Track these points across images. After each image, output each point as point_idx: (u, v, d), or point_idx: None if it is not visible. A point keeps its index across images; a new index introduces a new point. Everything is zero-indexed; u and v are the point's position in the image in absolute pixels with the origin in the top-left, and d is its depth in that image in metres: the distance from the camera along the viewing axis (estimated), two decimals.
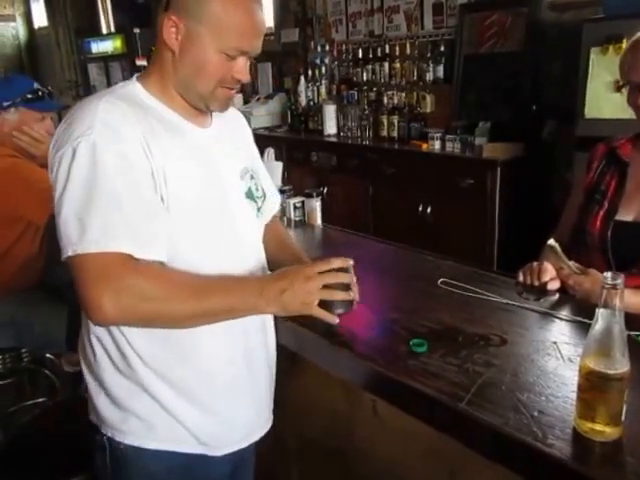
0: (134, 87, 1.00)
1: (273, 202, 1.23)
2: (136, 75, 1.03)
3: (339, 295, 0.96)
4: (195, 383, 1.02)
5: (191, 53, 0.95)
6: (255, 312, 0.97)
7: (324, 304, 0.96)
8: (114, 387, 1.01)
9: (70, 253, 0.85)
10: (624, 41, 2.17)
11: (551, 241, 1.38)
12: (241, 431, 1.11)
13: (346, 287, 0.97)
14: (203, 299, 0.91)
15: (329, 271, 0.95)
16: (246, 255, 1.09)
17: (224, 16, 0.93)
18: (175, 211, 0.94)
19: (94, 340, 1.02)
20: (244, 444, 1.12)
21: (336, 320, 0.97)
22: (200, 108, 1.02)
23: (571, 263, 1.36)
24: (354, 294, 0.99)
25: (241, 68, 0.98)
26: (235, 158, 1.10)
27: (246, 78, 1.00)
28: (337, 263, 0.96)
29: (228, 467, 1.11)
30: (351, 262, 0.99)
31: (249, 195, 1.10)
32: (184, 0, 0.94)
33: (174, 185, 0.94)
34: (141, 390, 1.00)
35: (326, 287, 0.94)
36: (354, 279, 1.00)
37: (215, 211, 1.01)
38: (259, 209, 1.13)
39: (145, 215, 0.89)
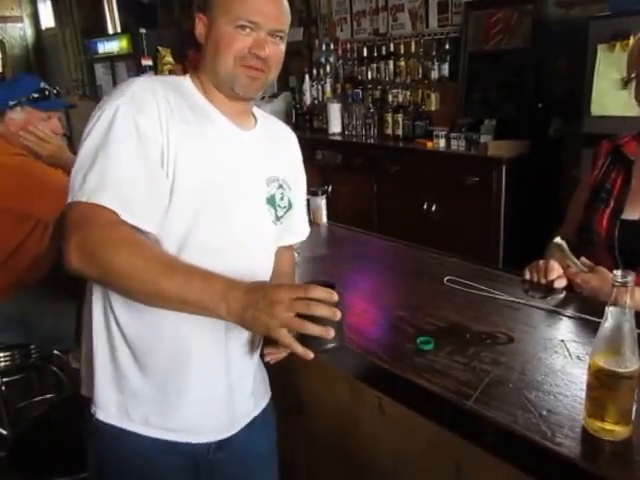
0: (184, 79, 1.07)
1: (300, 228, 1.25)
2: (189, 75, 1.09)
3: (310, 329, 0.80)
4: (166, 372, 1.03)
5: (211, 38, 1.02)
6: (211, 316, 0.85)
7: (303, 335, 0.82)
8: (98, 360, 1.03)
9: (69, 199, 0.92)
10: (631, 38, 2.15)
11: (557, 239, 1.37)
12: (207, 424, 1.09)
13: (331, 322, 0.80)
14: (161, 276, 0.85)
15: (307, 298, 0.80)
16: (253, 256, 1.09)
17: None
18: (178, 190, 0.96)
19: (93, 308, 1.04)
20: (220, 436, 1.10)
21: (310, 355, 0.84)
22: (227, 93, 1.05)
23: (580, 261, 1.35)
24: (333, 332, 0.81)
25: (256, 42, 1.00)
26: (267, 165, 1.11)
27: (264, 53, 1.01)
28: (317, 293, 0.80)
29: (189, 461, 1.09)
30: (335, 296, 0.81)
31: (270, 201, 1.10)
32: None
33: (183, 167, 0.96)
34: (115, 368, 1.02)
35: (301, 316, 0.80)
36: (338, 314, 0.81)
37: (219, 203, 1.02)
38: (279, 217, 1.13)
39: (142, 182, 0.93)
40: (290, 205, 1.15)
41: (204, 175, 0.99)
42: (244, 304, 0.82)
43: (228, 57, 1.01)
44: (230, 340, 1.07)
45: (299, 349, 0.83)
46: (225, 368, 1.08)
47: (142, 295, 0.89)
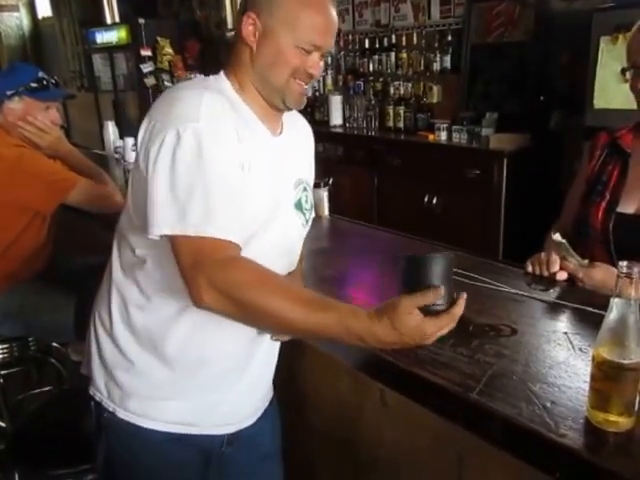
0: (222, 80, 1.03)
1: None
2: (222, 71, 1.05)
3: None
4: (194, 369, 1.05)
5: (268, 47, 0.99)
6: (352, 345, 0.88)
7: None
8: (105, 349, 1.05)
9: (167, 232, 0.88)
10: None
11: (557, 236, 1.37)
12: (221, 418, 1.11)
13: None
14: (298, 315, 0.85)
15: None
16: (289, 261, 1.13)
17: (300, 12, 0.97)
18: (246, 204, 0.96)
19: (112, 297, 1.05)
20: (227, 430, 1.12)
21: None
22: (276, 104, 1.04)
23: (585, 261, 1.35)
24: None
25: (314, 63, 1.01)
26: (294, 168, 1.12)
27: (318, 73, 1.03)
28: (430, 299, 0.85)
29: (200, 454, 1.10)
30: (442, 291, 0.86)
31: (298, 206, 1.11)
32: None
33: (252, 181, 0.96)
34: (139, 367, 1.03)
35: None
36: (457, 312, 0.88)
37: (267, 214, 1.02)
38: (307, 220, 1.14)
39: (237, 205, 0.91)
40: (312, 206, 1.16)
41: (260, 189, 0.99)
42: (390, 343, 0.85)
43: (285, 72, 1.00)
44: (257, 336, 1.09)
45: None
46: (250, 361, 1.10)
47: (274, 330, 0.95)
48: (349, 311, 0.85)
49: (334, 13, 1.01)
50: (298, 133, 1.17)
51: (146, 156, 0.92)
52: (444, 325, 0.86)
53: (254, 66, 1.01)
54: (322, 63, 1.05)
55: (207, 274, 0.85)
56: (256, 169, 0.98)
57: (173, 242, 0.89)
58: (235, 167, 0.93)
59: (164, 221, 0.88)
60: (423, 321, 0.84)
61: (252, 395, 1.16)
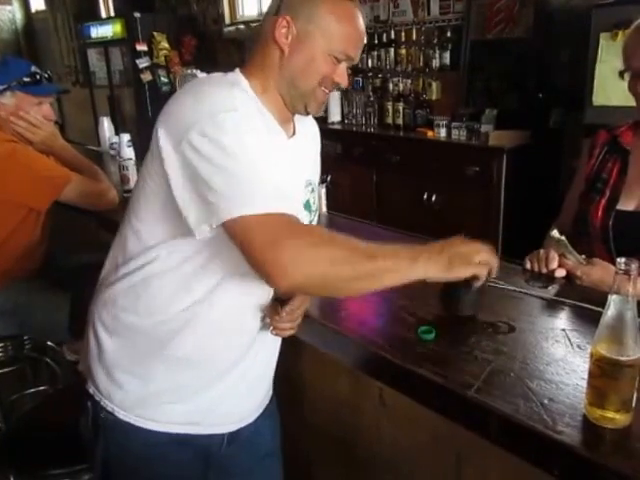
0: (241, 79, 1.02)
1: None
2: (237, 70, 1.04)
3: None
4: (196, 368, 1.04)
5: (301, 52, 1.00)
6: (423, 273, 0.93)
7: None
8: (106, 349, 1.04)
9: (236, 214, 0.84)
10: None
11: (555, 233, 1.37)
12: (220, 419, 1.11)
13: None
14: (372, 259, 0.88)
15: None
16: None
17: (339, 23, 0.99)
18: None
19: (114, 296, 1.04)
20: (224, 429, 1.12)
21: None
22: (298, 109, 1.05)
23: (582, 256, 1.35)
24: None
25: (342, 72, 1.03)
26: (304, 169, 1.13)
27: (345, 83, 1.05)
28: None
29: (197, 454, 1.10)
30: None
31: (306, 206, 1.12)
32: (298, 3, 0.99)
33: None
34: (141, 367, 1.03)
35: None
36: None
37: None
38: (311, 222, 1.15)
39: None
40: (317, 208, 1.17)
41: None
42: (446, 249, 0.94)
43: (315, 78, 1.01)
44: (259, 336, 1.09)
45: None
46: (251, 361, 1.10)
47: (357, 279, 0.90)
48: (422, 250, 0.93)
49: (364, 27, 1.04)
50: (306, 132, 1.17)
51: (177, 153, 0.89)
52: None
53: (282, 69, 1.01)
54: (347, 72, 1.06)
55: (288, 250, 0.83)
56: (273, 166, 0.97)
57: (237, 227, 0.85)
58: (270, 150, 0.93)
59: (230, 205, 0.85)
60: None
61: (253, 394, 1.16)
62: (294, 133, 1.11)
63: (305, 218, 1.11)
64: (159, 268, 0.99)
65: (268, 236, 0.83)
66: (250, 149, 0.88)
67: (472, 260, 0.98)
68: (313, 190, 1.14)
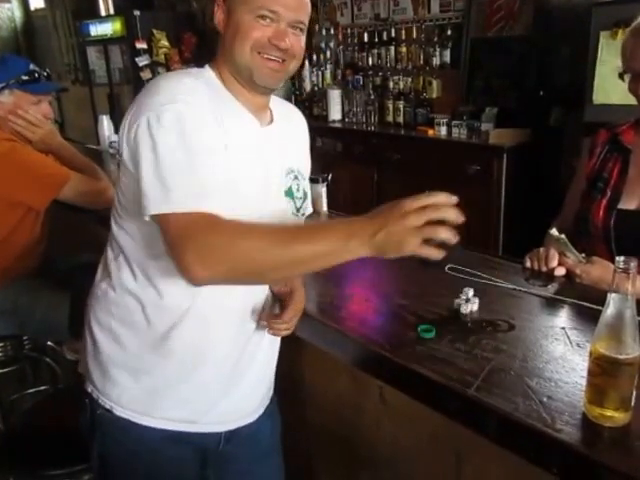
0: (205, 71, 1.04)
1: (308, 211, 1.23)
2: (208, 64, 1.05)
3: (442, 232, 0.84)
4: (191, 364, 1.04)
5: (229, 26, 1.00)
6: (348, 256, 0.85)
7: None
8: (100, 345, 1.05)
9: (154, 212, 0.88)
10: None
11: (555, 231, 1.37)
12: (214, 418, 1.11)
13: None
14: (286, 247, 0.85)
15: (429, 207, 0.83)
16: None
17: None
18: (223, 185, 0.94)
19: (109, 293, 1.05)
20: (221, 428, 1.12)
21: (441, 255, 0.85)
22: (248, 83, 1.02)
23: (581, 256, 1.35)
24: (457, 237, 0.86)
25: (278, 33, 0.98)
26: (285, 157, 1.11)
27: (284, 44, 0.99)
28: (440, 198, 0.85)
29: (195, 452, 1.10)
30: (454, 199, 0.87)
31: (289, 194, 1.11)
32: None
33: (237, 165, 0.97)
34: (136, 363, 1.03)
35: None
36: (461, 217, 0.87)
37: (243, 199, 1.00)
38: (298, 208, 1.13)
39: (215, 181, 0.90)
40: (305, 195, 1.16)
41: (238, 175, 0.98)
42: (373, 229, 0.82)
43: (245, 46, 0.98)
44: (258, 336, 1.09)
45: (434, 253, 0.85)
46: (250, 361, 1.10)
47: (276, 274, 0.91)
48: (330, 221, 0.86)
49: None
50: (291, 124, 1.16)
51: (128, 145, 0.93)
52: (420, 200, 0.83)
53: (224, 49, 1.02)
54: (302, 38, 1.02)
55: (195, 247, 0.83)
56: (241, 154, 0.98)
57: (160, 223, 0.88)
58: (215, 143, 0.93)
59: (152, 201, 0.87)
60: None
61: (253, 394, 1.15)
62: (272, 121, 1.10)
63: (287, 205, 1.10)
64: (154, 265, 0.99)
65: (181, 232, 0.85)
66: (185, 145, 0.89)
67: (406, 245, 0.83)
68: (297, 178, 1.13)
